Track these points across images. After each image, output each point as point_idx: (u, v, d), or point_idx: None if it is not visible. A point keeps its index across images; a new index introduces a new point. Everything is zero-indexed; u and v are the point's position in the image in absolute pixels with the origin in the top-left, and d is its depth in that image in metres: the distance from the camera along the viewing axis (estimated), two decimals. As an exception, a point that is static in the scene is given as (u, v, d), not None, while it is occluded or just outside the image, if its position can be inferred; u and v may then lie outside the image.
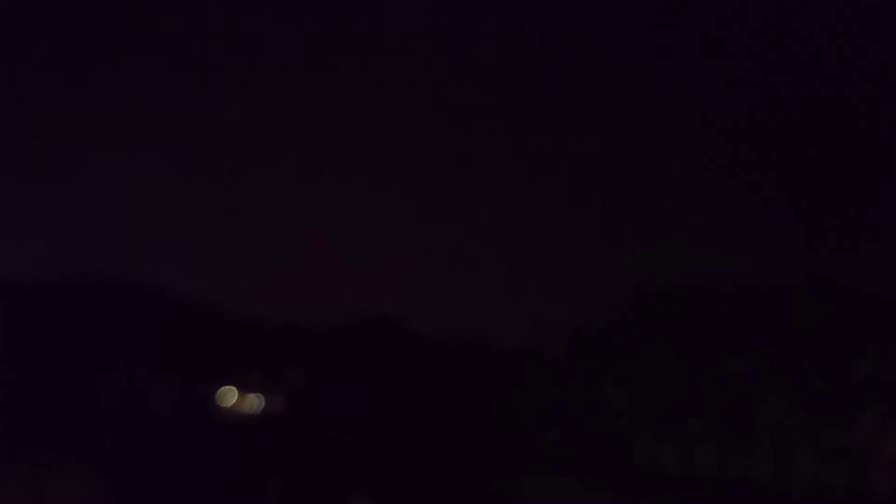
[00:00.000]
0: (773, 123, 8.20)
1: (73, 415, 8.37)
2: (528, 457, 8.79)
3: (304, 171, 8.90)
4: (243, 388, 8.91)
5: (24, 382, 8.39)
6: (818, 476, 7.21)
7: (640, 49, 7.94)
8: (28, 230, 8.70)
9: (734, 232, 8.90)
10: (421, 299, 9.10)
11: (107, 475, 7.92)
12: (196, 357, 9.20)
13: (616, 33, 7.96)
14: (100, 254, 8.82)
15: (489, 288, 9.18)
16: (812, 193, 8.28)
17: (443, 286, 9.08)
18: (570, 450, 8.72)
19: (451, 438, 8.81)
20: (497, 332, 9.17)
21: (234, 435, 8.80)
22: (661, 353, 9.28)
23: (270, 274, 8.79)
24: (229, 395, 8.92)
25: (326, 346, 9.52)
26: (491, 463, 8.54)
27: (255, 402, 8.95)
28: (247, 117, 8.48)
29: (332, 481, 8.78)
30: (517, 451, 8.75)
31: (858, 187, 8.14)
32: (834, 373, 8.02)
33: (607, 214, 8.94)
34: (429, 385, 9.42)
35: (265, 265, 8.75)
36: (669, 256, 8.94)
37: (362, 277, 9.00)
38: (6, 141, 8.14)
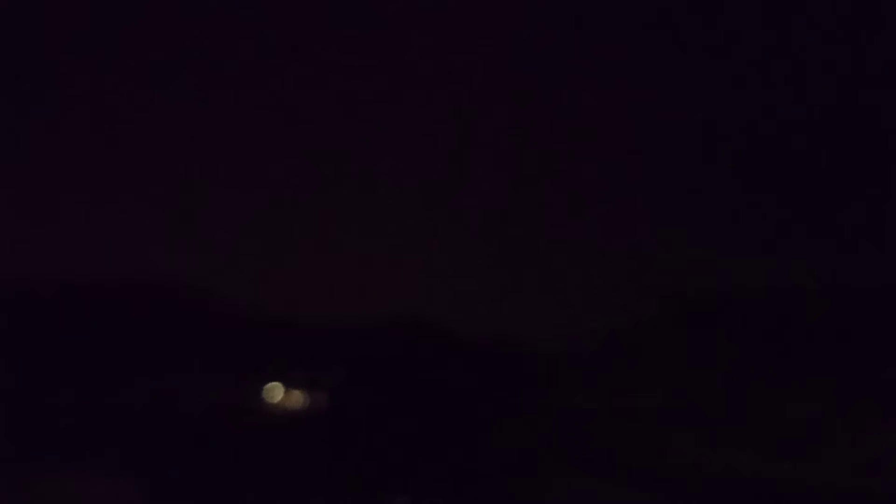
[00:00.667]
0: (816, 128, 8.15)
1: (117, 415, 8.62)
2: (565, 458, 9.02)
3: (343, 172, 8.93)
4: (288, 385, 9.17)
5: (69, 381, 8.65)
6: (845, 478, 7.41)
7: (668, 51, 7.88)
8: (72, 231, 8.85)
9: (765, 233, 8.93)
10: (459, 300, 9.23)
11: (149, 474, 8.22)
12: (241, 355, 9.43)
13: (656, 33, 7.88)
14: (143, 254, 8.97)
15: (526, 289, 9.28)
16: (844, 196, 8.28)
17: (481, 287, 9.18)
18: (604, 452, 8.95)
19: (489, 439, 9.05)
20: (534, 334, 9.34)
21: (277, 431, 9.08)
22: (695, 354, 9.44)
23: (312, 273, 8.94)
24: (275, 392, 9.19)
25: (367, 345, 9.72)
26: (528, 464, 8.79)
27: (299, 399, 9.22)
28: (277, 118, 8.51)
29: (370, 480, 9.05)
30: (555, 453, 8.98)
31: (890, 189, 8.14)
32: (866, 374, 8.14)
33: (644, 216, 8.97)
34: (466, 385, 9.63)
35: (307, 265, 8.88)
36: (700, 257, 9.00)
37: (402, 277, 9.13)
38: (48, 142, 8.21)
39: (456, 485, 8.53)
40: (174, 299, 8.97)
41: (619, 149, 8.84)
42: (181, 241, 8.81)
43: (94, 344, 8.48)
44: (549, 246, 8.95)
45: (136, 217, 8.80)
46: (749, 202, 8.76)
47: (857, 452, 7.63)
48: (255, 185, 8.90)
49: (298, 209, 9.06)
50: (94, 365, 8.48)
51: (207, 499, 7.99)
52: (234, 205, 8.97)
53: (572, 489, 8.64)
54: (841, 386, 8.20)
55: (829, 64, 8.10)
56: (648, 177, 8.77)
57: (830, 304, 8.86)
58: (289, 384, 9.36)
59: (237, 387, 9.18)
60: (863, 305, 8.68)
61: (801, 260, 8.47)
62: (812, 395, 8.34)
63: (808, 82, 8.08)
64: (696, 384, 9.08)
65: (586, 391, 9.51)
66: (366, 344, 8.88)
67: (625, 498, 8.47)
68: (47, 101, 8.07)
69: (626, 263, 8.56)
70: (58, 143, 8.18)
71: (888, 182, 8.15)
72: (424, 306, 9.18)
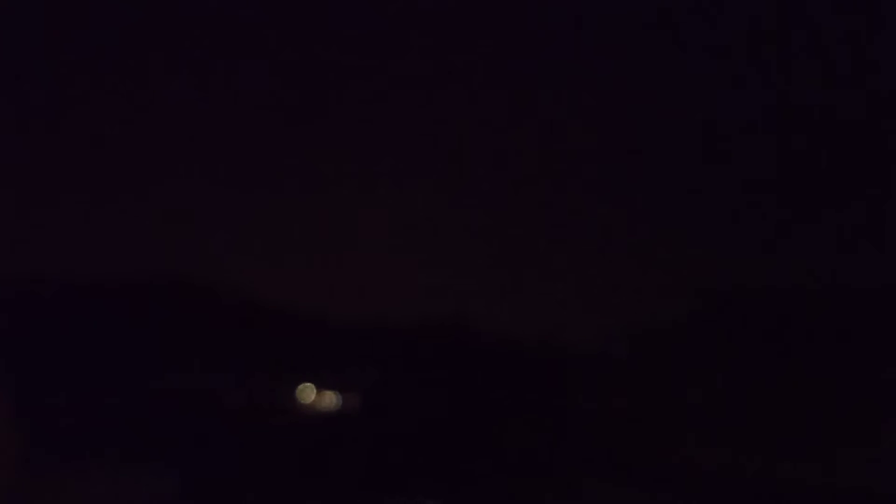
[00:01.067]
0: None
1: (153, 415, 8.71)
2: (601, 461, 9.00)
3: (378, 172, 9.03)
4: (321, 386, 9.23)
5: (105, 381, 8.75)
6: (867, 480, 7.39)
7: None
8: (108, 229, 9.05)
9: (795, 235, 8.88)
10: (494, 300, 9.27)
11: (185, 473, 8.30)
12: (275, 355, 9.49)
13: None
14: (177, 253, 9.14)
15: (562, 290, 9.32)
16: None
17: (516, 287, 9.24)
18: (645, 455, 8.93)
19: (523, 441, 9.01)
20: (570, 335, 9.34)
21: (310, 432, 9.12)
22: (724, 355, 9.39)
23: (345, 273, 9.03)
24: (308, 392, 9.25)
25: (401, 345, 9.73)
26: (561, 466, 8.74)
27: (332, 400, 9.28)
28: (314, 119, 8.61)
29: (406, 483, 9.10)
30: (596, 459, 8.94)
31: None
32: (887, 376, 8.12)
33: (677, 217, 8.98)
34: (501, 386, 9.63)
35: (341, 265, 8.98)
36: (731, 259, 8.98)
37: (437, 277, 9.19)
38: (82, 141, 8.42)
39: (486, 487, 8.50)
40: (206, 298, 9.00)
41: (647, 147, 8.80)
42: (212, 240, 8.95)
43: (125, 343, 8.54)
44: (584, 245, 8.95)
45: (169, 215, 8.95)
46: (767, 201, 8.70)
47: (872, 453, 7.60)
48: (285, 184, 8.98)
49: (328, 208, 9.14)
50: (124, 365, 8.52)
51: (235, 499, 8.06)
52: (264, 204, 9.07)
53: (599, 492, 8.60)
54: (868, 385, 8.15)
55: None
56: (676, 175, 8.72)
57: (850, 303, 8.85)
58: (321, 385, 9.41)
59: (270, 387, 9.24)
60: (876, 304, 8.70)
61: (818, 259, 8.37)
62: (835, 398, 8.30)
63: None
64: (723, 385, 9.03)
65: (620, 393, 9.49)
66: (398, 345, 8.85)
67: (651, 501, 8.44)
68: (71, 96, 8.24)
69: (660, 262, 8.52)
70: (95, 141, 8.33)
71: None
72: (457, 307, 9.20)
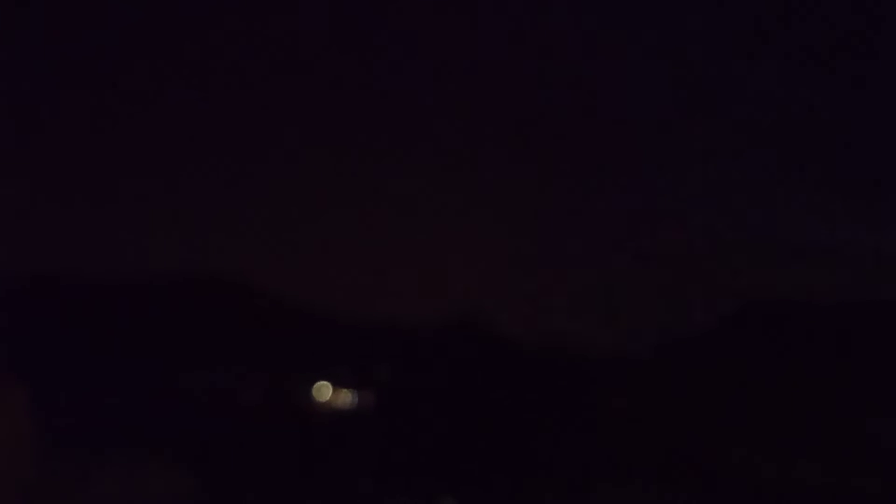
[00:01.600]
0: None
1: (168, 412, 8.75)
2: (616, 464, 8.87)
3: (397, 171, 8.94)
4: (337, 384, 9.20)
5: (124, 379, 8.81)
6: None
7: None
8: (128, 227, 9.04)
9: (843, 238, 8.65)
10: (511, 300, 9.15)
11: (201, 471, 8.35)
12: (291, 353, 9.50)
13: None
14: (198, 252, 9.11)
15: (580, 291, 9.16)
16: None
17: (533, 287, 9.10)
18: (658, 459, 8.77)
19: (539, 443, 8.94)
20: (587, 336, 9.20)
21: (326, 430, 9.13)
22: (753, 360, 9.18)
23: (365, 272, 8.96)
24: (324, 390, 9.22)
25: (417, 344, 9.70)
26: (578, 469, 8.65)
27: (348, 398, 9.24)
28: (345, 122, 8.54)
29: (419, 480, 9.03)
30: (606, 459, 8.83)
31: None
32: None
33: (703, 220, 8.78)
34: (517, 388, 9.53)
35: (360, 264, 8.90)
36: (764, 263, 8.76)
37: (454, 277, 9.09)
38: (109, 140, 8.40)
39: (503, 487, 8.45)
40: (227, 296, 9.08)
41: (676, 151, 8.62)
42: (236, 240, 8.91)
43: (138, 342, 8.64)
44: (602, 247, 8.78)
45: (197, 215, 8.93)
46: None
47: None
48: (309, 188, 8.92)
49: (350, 209, 9.08)
50: (138, 362, 8.62)
51: (252, 493, 8.08)
52: (287, 206, 9.03)
53: (619, 495, 8.49)
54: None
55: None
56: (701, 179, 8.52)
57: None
58: (338, 383, 9.39)
59: (287, 384, 9.26)
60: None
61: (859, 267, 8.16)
62: (879, 406, 8.06)
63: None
64: (754, 393, 8.83)
65: (644, 397, 9.33)
66: (415, 343, 8.86)
67: (681, 501, 8.30)
68: (110, 95, 8.23)
69: (680, 266, 8.34)
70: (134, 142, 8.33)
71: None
72: (475, 306, 9.10)
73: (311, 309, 9.27)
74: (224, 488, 8.34)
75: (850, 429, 7.51)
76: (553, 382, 8.92)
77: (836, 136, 8.07)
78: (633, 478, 8.73)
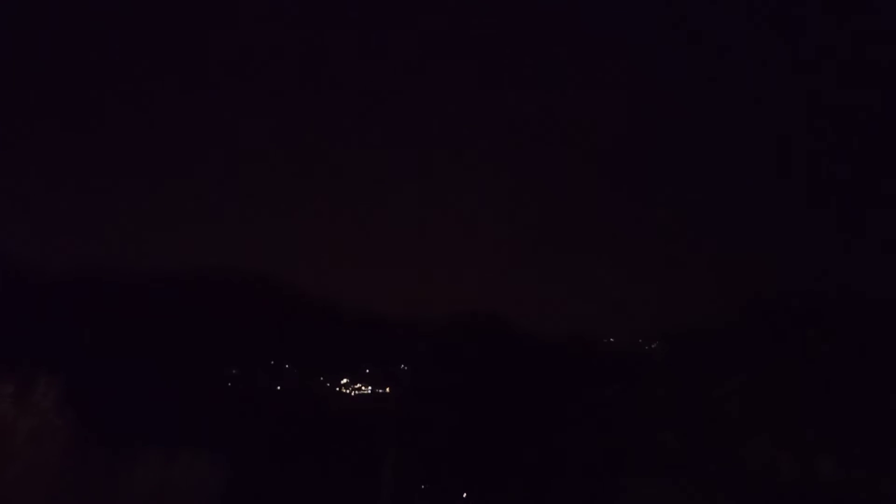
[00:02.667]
0: None
1: (202, 406, 8.94)
2: (641, 459, 8.95)
3: (423, 173, 9.29)
4: (362, 382, 9.34)
5: (157, 376, 9.01)
6: None
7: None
8: (160, 229, 9.44)
9: (872, 241, 8.77)
10: (535, 299, 9.41)
11: (231, 461, 8.48)
12: (318, 351, 9.65)
13: None
14: (228, 252, 9.42)
15: (606, 289, 9.41)
16: None
17: (558, 286, 9.36)
18: (685, 453, 8.84)
19: (563, 438, 9.03)
20: (610, 332, 9.35)
21: (351, 426, 9.28)
22: (780, 358, 9.24)
23: (387, 273, 9.24)
24: (349, 387, 9.37)
25: (440, 343, 9.82)
26: (604, 464, 8.74)
27: (372, 395, 9.38)
28: (378, 131, 8.93)
29: (443, 475, 9.15)
30: (630, 454, 8.91)
31: None
32: None
33: (732, 220, 8.99)
34: (540, 384, 9.65)
35: (383, 265, 9.19)
36: (794, 262, 8.93)
37: (478, 277, 9.37)
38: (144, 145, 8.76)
39: (529, 480, 8.53)
40: (261, 297, 9.26)
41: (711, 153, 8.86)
42: (262, 239, 9.22)
43: (170, 339, 8.82)
44: (626, 246, 9.00)
45: (247, 221, 9.31)
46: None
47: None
48: (351, 195, 9.32)
49: (384, 210, 9.44)
50: (171, 358, 8.79)
51: (280, 483, 8.22)
52: (328, 214, 9.41)
53: (646, 488, 8.56)
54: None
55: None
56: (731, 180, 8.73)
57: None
58: (367, 379, 9.55)
59: (318, 379, 9.41)
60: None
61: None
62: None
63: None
64: (782, 390, 8.89)
65: (669, 393, 9.40)
66: (443, 341, 8.97)
67: (700, 498, 8.37)
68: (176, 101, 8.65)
69: (711, 267, 8.52)
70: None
71: None
72: (501, 306, 9.27)
73: (339, 309, 9.47)
74: (252, 478, 8.47)
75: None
76: (574, 378, 9.02)
77: None
78: (658, 472, 8.80)
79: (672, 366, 9.01)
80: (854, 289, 8.03)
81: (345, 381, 26.45)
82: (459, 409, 9.76)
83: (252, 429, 9.30)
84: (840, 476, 7.52)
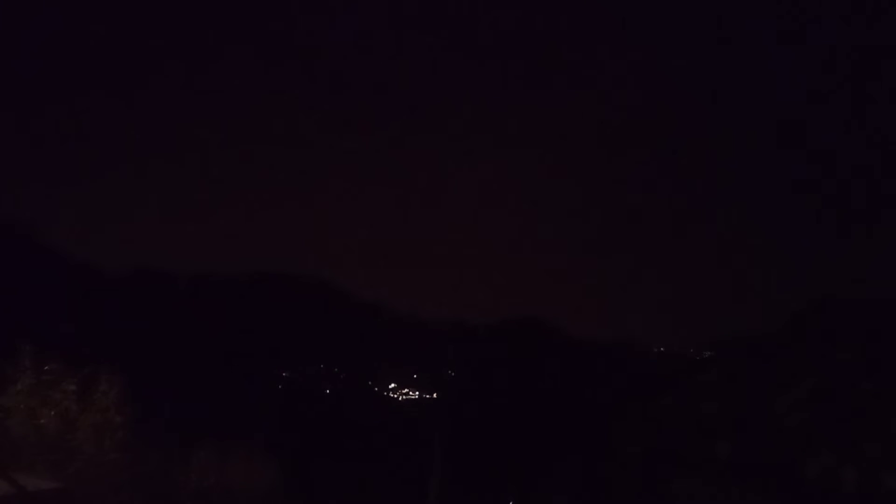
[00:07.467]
0: None
1: (257, 406, 9.09)
2: (694, 466, 8.84)
3: (460, 179, 9.17)
4: (409, 387, 9.39)
5: (214, 376, 9.17)
6: None
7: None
8: (222, 234, 9.48)
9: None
10: (581, 302, 9.29)
11: (283, 462, 8.61)
12: (366, 356, 9.74)
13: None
14: (284, 257, 9.44)
15: (655, 294, 9.24)
16: None
17: (604, 290, 9.22)
18: (738, 461, 8.72)
19: (610, 443, 8.98)
20: (655, 337, 9.21)
21: (399, 431, 9.34)
22: (832, 369, 9.05)
23: (436, 278, 9.17)
24: (396, 391, 9.41)
25: (487, 348, 9.84)
26: (655, 470, 8.65)
27: (419, 400, 9.41)
28: (415, 148, 8.81)
29: (490, 481, 9.15)
30: (682, 461, 8.81)
31: None
32: None
33: (789, 227, 8.76)
34: (590, 391, 9.60)
35: (432, 269, 9.13)
36: (856, 268, 8.72)
37: (526, 283, 9.26)
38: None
39: (577, 487, 8.49)
40: (314, 302, 9.39)
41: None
42: (315, 242, 9.22)
43: (216, 339, 9.00)
44: (678, 252, 8.82)
45: (304, 228, 9.28)
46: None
47: None
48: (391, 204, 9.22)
49: (424, 212, 9.32)
50: (219, 357, 8.97)
51: (330, 480, 8.30)
52: (371, 220, 9.32)
53: (690, 492, 8.46)
54: None
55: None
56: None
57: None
58: (414, 384, 9.60)
59: (367, 384, 9.49)
60: None
61: None
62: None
63: None
64: (837, 401, 8.73)
65: (722, 401, 9.25)
66: (490, 347, 9.00)
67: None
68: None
69: (761, 274, 8.34)
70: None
71: None
72: (549, 312, 9.18)
73: (388, 314, 9.52)
74: (303, 479, 8.56)
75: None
76: (624, 386, 8.96)
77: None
78: (700, 475, 8.71)
79: (724, 375, 8.84)
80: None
81: (392, 385, 26.85)
82: (506, 416, 9.75)
83: (304, 431, 9.44)
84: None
